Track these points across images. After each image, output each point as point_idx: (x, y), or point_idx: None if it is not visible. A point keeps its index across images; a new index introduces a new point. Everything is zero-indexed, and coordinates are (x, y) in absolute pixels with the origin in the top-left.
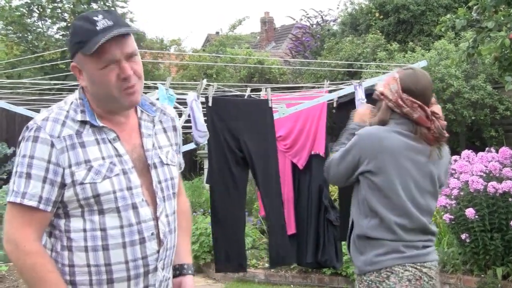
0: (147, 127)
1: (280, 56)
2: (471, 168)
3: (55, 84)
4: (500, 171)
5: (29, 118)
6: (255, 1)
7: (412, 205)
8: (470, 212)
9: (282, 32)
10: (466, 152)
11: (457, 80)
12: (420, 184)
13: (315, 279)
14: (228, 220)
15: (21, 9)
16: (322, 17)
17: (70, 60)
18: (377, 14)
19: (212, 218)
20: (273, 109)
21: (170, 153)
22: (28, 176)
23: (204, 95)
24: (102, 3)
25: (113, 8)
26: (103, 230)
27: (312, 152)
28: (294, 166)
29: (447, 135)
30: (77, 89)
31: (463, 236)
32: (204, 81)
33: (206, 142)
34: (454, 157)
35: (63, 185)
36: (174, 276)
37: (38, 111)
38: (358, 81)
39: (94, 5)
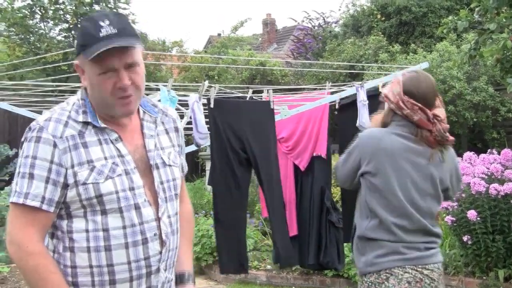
0: (149, 128)
1: (282, 58)
2: (473, 170)
3: (57, 86)
4: (502, 173)
5: (31, 120)
6: (257, 2)
7: (411, 206)
8: (472, 214)
9: (284, 34)
10: (468, 154)
11: (459, 82)
12: (420, 186)
13: (316, 281)
14: (230, 221)
15: (24, 10)
16: (324, 19)
17: (72, 61)
18: (379, 16)
19: (214, 219)
20: (275, 111)
21: (172, 154)
22: (31, 176)
23: (206, 97)
24: (104, 4)
25: (115, 10)
26: (106, 230)
27: (314, 154)
28: (296, 167)
29: (451, 138)
30: (79, 90)
31: (465, 238)
32: (206, 83)
33: (207, 143)
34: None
35: (65, 186)
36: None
37: (40, 112)
38: (360, 82)
39: (96, 7)
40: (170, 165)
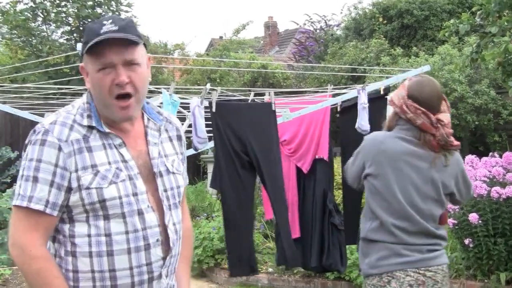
0: (153, 135)
1: (283, 61)
2: (474, 173)
3: (59, 89)
4: (504, 176)
5: (33, 122)
6: (259, 5)
7: (412, 209)
8: (473, 217)
9: (286, 37)
10: (469, 157)
11: (461, 85)
12: (421, 189)
13: (318, 284)
14: (239, 223)
15: (26, 13)
16: (325, 22)
17: (74, 64)
18: (380, 19)
19: (224, 222)
20: (277, 114)
21: (176, 161)
22: (35, 179)
23: (207, 99)
24: (106, 7)
25: (117, 13)
26: (108, 235)
27: (316, 156)
28: (298, 170)
29: (456, 143)
30: (82, 92)
31: (466, 241)
32: (208, 86)
33: (205, 148)
34: None
35: (69, 190)
36: None
37: (42, 115)
38: (362, 85)
39: (99, 10)
40: (173, 173)
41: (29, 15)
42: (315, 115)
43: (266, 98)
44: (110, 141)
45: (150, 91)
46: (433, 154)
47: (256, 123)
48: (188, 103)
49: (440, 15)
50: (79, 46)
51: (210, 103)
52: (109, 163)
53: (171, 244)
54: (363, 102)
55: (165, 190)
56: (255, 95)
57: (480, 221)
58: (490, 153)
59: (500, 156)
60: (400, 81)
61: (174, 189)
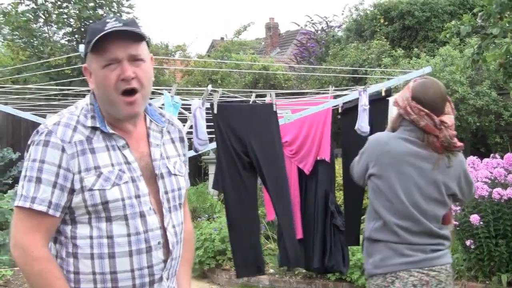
0: (156, 137)
1: (285, 62)
2: (476, 174)
3: (60, 90)
4: (505, 178)
5: (35, 124)
6: (260, 7)
7: (415, 210)
8: (475, 218)
9: (287, 38)
10: (471, 158)
11: (462, 87)
12: (424, 190)
13: (319, 285)
14: (243, 224)
15: (27, 14)
16: (327, 23)
17: (75, 66)
18: (382, 20)
19: (228, 224)
20: (279, 115)
21: (178, 163)
22: (38, 180)
23: (209, 101)
24: (107, 8)
25: (118, 14)
26: (110, 237)
27: (318, 158)
28: (300, 171)
29: (460, 144)
30: (83, 94)
31: (467, 243)
32: (209, 87)
33: (205, 149)
34: None
35: (72, 191)
36: None
37: (44, 116)
38: (363, 87)
39: (100, 11)
40: (175, 174)
41: (30, 16)
42: (316, 117)
43: (267, 100)
44: (114, 142)
45: (152, 93)
46: (436, 155)
47: (257, 124)
48: (189, 105)
49: (441, 16)
50: (81, 47)
51: (212, 104)
52: (112, 164)
53: (170, 247)
54: (364, 104)
55: (166, 192)
56: (257, 96)
57: (481, 223)
58: (492, 155)
59: (502, 158)
60: (401, 83)
61: (175, 191)
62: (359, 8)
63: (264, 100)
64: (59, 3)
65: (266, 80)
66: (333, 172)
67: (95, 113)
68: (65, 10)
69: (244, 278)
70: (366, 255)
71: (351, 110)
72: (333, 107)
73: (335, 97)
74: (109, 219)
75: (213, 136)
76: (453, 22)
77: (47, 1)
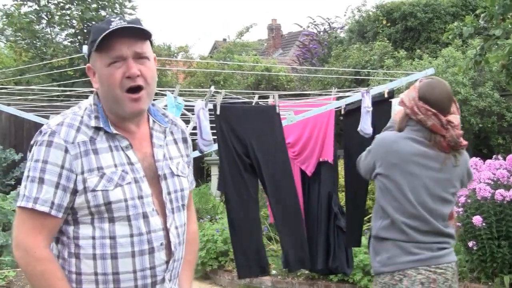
0: (159, 137)
1: (287, 63)
2: (478, 175)
3: (63, 91)
4: (508, 179)
5: (37, 124)
6: (263, 8)
7: (423, 209)
8: (477, 219)
9: (289, 39)
10: (473, 160)
11: (464, 88)
12: (432, 190)
13: (322, 286)
14: (245, 225)
15: (30, 15)
16: (329, 24)
17: (78, 67)
18: (384, 22)
19: (229, 225)
20: (281, 116)
21: (181, 164)
22: (41, 181)
23: (212, 102)
24: (110, 10)
25: (121, 15)
26: (113, 238)
27: (321, 159)
28: (303, 173)
29: (465, 143)
30: (86, 95)
31: (470, 244)
32: (212, 88)
33: (210, 150)
34: None
35: (75, 192)
36: None
37: (46, 117)
38: (366, 88)
39: (103, 12)
40: (178, 175)
41: (33, 17)
42: (319, 118)
43: (270, 101)
44: (117, 143)
45: (155, 93)
46: (443, 155)
47: (260, 126)
48: (192, 106)
49: (443, 17)
50: (84, 48)
51: (215, 105)
52: (115, 165)
53: (172, 248)
54: (366, 105)
55: (169, 193)
56: (259, 97)
57: (484, 224)
58: (494, 156)
59: (504, 159)
60: (404, 84)
61: (178, 192)
62: (362, 10)
63: (267, 102)
64: (62, 4)
65: (269, 81)
66: (336, 174)
67: (98, 114)
68: (68, 12)
69: (246, 279)
70: (373, 253)
71: (353, 111)
72: (335, 108)
73: (338, 98)
74: (111, 220)
75: (216, 137)
76: (455, 24)
77: (50, 3)
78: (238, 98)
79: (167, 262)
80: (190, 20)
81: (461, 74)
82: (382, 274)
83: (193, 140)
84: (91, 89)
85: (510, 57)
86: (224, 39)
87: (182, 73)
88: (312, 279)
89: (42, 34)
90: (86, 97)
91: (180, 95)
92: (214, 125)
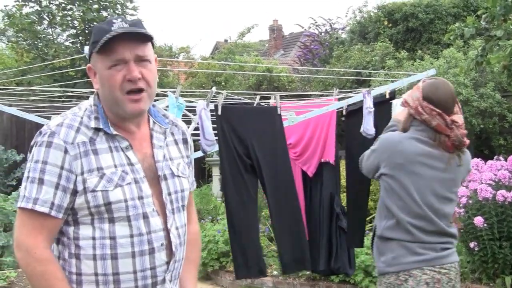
0: (159, 138)
1: (288, 64)
2: (480, 176)
3: (64, 92)
4: (509, 180)
5: (38, 125)
6: (264, 9)
7: (428, 209)
8: (478, 220)
9: (291, 40)
10: (475, 161)
11: (466, 89)
12: (437, 190)
13: (323, 287)
14: (243, 226)
15: (32, 16)
16: (330, 25)
17: (79, 67)
18: (385, 22)
19: (229, 225)
20: (283, 117)
21: (181, 165)
22: (41, 182)
23: (213, 102)
24: (112, 11)
25: (122, 16)
26: (113, 238)
27: (322, 160)
28: (304, 174)
29: (468, 142)
30: (87, 95)
31: (471, 245)
32: (213, 89)
33: (213, 150)
34: None
35: (75, 192)
36: None
37: (48, 118)
38: (367, 89)
39: (104, 13)
40: (178, 176)
41: (35, 18)
42: (321, 119)
43: (271, 102)
44: (117, 143)
45: (156, 94)
46: (447, 155)
47: (261, 127)
48: (193, 106)
49: (445, 18)
50: (86, 49)
51: (216, 106)
52: (115, 166)
53: (173, 249)
54: (368, 106)
55: (169, 194)
56: (261, 98)
57: (485, 225)
58: (495, 157)
59: (506, 160)
60: (405, 85)
61: (178, 192)
62: (363, 10)
63: (268, 102)
64: (63, 5)
65: (270, 82)
66: (338, 175)
67: (98, 114)
68: (69, 12)
69: (247, 280)
70: (377, 253)
71: (355, 112)
72: (337, 109)
73: (339, 99)
74: (111, 220)
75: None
76: (457, 24)
77: (52, 3)
78: (240, 99)
79: (168, 263)
80: (191, 21)
81: (462, 75)
82: (387, 274)
83: (195, 141)
84: (93, 89)
85: (511, 58)
86: (226, 40)
87: (183, 74)
88: (314, 280)
89: (44, 35)
90: (88, 97)
91: (182, 95)
92: (216, 125)
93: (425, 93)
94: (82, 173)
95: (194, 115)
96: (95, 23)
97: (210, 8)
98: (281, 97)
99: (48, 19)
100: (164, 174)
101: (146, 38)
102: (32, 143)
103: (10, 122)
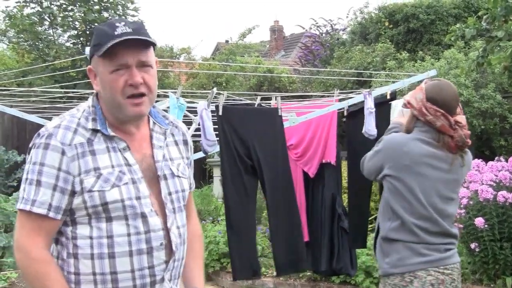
0: (159, 139)
1: (289, 65)
2: (480, 177)
3: (65, 92)
4: (510, 181)
5: (39, 126)
6: (265, 9)
7: (433, 210)
8: (479, 221)
9: (292, 41)
10: (475, 161)
11: (467, 89)
12: (441, 191)
13: None
14: (241, 227)
15: (33, 17)
16: (331, 26)
17: (80, 68)
18: (386, 23)
19: (227, 226)
20: (283, 118)
21: (182, 165)
22: (38, 183)
23: (214, 103)
24: (113, 12)
25: (123, 17)
26: (110, 237)
27: (323, 161)
28: (306, 174)
29: (469, 141)
30: (88, 96)
31: (472, 246)
32: (214, 90)
33: (215, 150)
34: None
35: (73, 193)
36: None
37: (49, 119)
38: (368, 90)
39: (105, 14)
40: (178, 176)
41: (36, 19)
42: (322, 119)
43: (272, 103)
44: (115, 144)
45: (157, 95)
46: (451, 156)
47: (262, 128)
48: (194, 107)
49: (446, 19)
50: (87, 50)
51: (217, 106)
52: (112, 166)
53: (173, 248)
54: (369, 106)
55: (169, 194)
56: (261, 99)
57: (486, 226)
58: (496, 158)
59: (506, 161)
60: (406, 86)
61: (178, 192)
62: (364, 11)
63: (269, 103)
64: (64, 6)
65: (271, 83)
66: (340, 175)
67: (96, 116)
68: (71, 13)
69: (248, 281)
70: (381, 255)
71: (356, 113)
72: (338, 110)
73: (340, 100)
74: (109, 219)
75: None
76: (458, 25)
77: (53, 4)
78: (241, 100)
79: (167, 262)
80: (192, 22)
81: (463, 75)
82: (391, 275)
83: (196, 142)
84: (93, 90)
85: None
86: (227, 41)
87: (184, 75)
88: (315, 281)
89: (45, 36)
90: (88, 98)
91: (183, 96)
92: (217, 126)
93: (429, 94)
94: (80, 174)
95: (195, 115)
96: (96, 24)
97: (211, 9)
98: (282, 98)
99: (49, 20)
100: (164, 174)
101: (149, 44)
102: (30, 145)
103: (11, 123)
